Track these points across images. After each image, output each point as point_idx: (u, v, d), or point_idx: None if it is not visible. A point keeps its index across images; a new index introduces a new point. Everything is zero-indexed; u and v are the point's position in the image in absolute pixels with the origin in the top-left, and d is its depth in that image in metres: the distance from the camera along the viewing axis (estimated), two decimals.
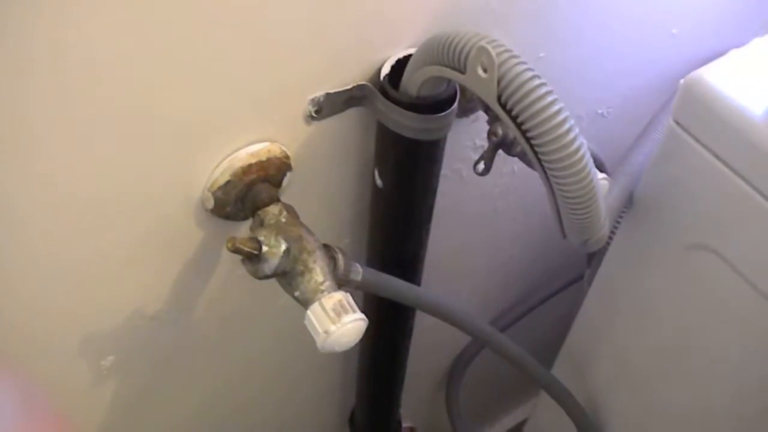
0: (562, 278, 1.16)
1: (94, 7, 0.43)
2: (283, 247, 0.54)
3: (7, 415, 0.31)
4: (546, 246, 1.10)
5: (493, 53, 0.49)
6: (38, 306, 0.57)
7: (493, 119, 0.62)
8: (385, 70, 0.60)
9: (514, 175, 0.89)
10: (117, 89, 0.48)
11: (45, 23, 0.42)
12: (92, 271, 0.58)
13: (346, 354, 0.60)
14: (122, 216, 0.56)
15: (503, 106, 0.50)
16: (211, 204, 0.58)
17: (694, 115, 0.66)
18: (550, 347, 1.07)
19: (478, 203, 0.90)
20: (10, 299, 0.54)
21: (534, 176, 0.57)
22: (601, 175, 0.59)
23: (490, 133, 0.61)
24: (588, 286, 0.94)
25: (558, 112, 0.49)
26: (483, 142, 0.79)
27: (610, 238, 0.80)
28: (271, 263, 0.54)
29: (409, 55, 0.60)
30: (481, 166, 0.62)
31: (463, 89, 0.62)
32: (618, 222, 0.79)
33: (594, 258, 0.91)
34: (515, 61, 0.49)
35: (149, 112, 0.51)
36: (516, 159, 0.62)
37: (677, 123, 0.67)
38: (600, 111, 0.90)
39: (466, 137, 0.76)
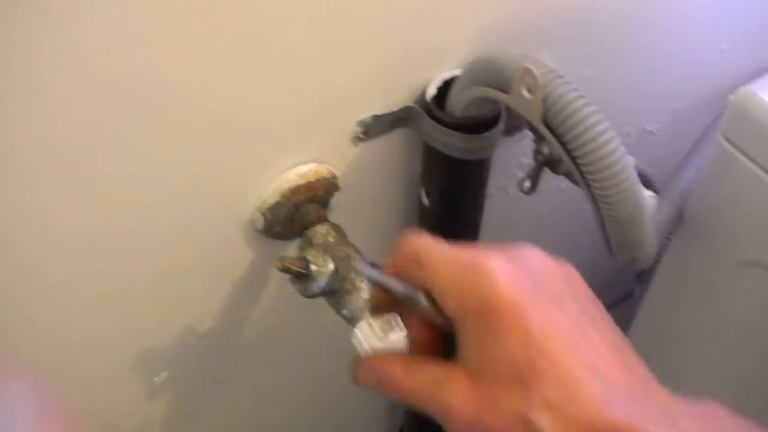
0: (611, 296, 1.14)
1: (153, 34, 0.45)
2: (331, 266, 0.55)
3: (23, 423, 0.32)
4: (594, 262, 1.09)
5: (537, 74, 0.49)
6: (95, 323, 0.58)
7: (539, 138, 0.63)
8: (431, 91, 0.61)
9: (561, 192, 0.89)
10: (170, 112, 0.49)
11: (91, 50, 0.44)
12: (146, 289, 0.59)
13: None
14: (175, 236, 0.57)
15: (548, 126, 0.51)
16: (260, 224, 0.60)
17: (744, 131, 0.65)
18: None
19: (524, 220, 0.89)
20: (68, 315, 0.56)
21: (581, 193, 0.57)
22: (648, 193, 0.59)
23: (536, 152, 0.61)
24: (638, 304, 0.93)
25: (602, 131, 0.49)
26: (529, 161, 0.79)
27: (660, 255, 0.79)
28: (320, 282, 0.55)
29: (455, 76, 0.61)
30: (527, 184, 0.63)
31: (509, 109, 0.63)
32: (668, 239, 0.79)
33: (644, 275, 0.90)
34: (559, 81, 0.50)
35: (201, 135, 0.52)
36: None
37: (727, 139, 0.66)
38: (648, 128, 0.89)
39: (513, 156, 0.77)
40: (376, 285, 0.39)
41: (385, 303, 0.40)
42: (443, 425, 0.36)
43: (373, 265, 0.57)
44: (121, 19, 0.43)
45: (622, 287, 1.11)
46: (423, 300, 0.36)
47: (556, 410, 0.32)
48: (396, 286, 0.37)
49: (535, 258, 0.36)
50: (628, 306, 1.06)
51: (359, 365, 0.40)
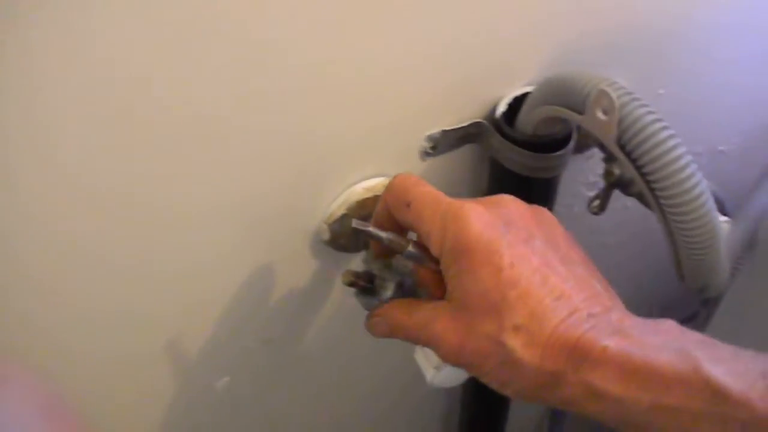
0: (673, 316, 1.12)
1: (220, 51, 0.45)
2: (397, 280, 0.55)
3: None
4: (657, 282, 1.07)
5: (614, 96, 0.48)
6: (161, 326, 0.60)
7: (609, 158, 0.62)
8: (502, 108, 0.60)
9: (626, 211, 0.87)
10: (246, 126, 0.50)
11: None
12: (212, 296, 0.60)
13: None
14: (243, 245, 0.58)
15: (623, 149, 0.50)
16: (326, 236, 0.60)
17: None
18: None
19: (587, 238, 0.88)
20: (132, 320, 0.58)
21: (647, 213, 0.56)
22: (722, 218, 0.57)
23: (607, 173, 0.60)
24: (702, 328, 0.90)
25: (679, 156, 0.48)
26: (596, 179, 0.78)
27: (729, 280, 0.77)
28: (384, 296, 0.54)
29: (526, 93, 0.60)
30: (596, 204, 0.62)
31: (580, 127, 0.62)
32: (738, 265, 0.76)
33: (710, 299, 0.88)
34: (636, 104, 0.49)
35: (271, 147, 0.53)
36: None
37: None
38: (720, 148, 0.87)
39: (580, 173, 0.76)
40: (368, 237, 0.45)
41: (383, 251, 0.48)
42: (438, 354, 0.43)
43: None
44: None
45: (686, 308, 1.08)
46: (411, 247, 0.43)
47: (524, 333, 0.37)
48: (385, 236, 0.44)
49: (509, 203, 0.43)
50: (692, 326, 1.04)
51: (371, 318, 0.48)
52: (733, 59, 0.77)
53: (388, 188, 0.45)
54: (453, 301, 0.41)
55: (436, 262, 0.43)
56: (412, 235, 0.46)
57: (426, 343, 0.43)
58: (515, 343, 0.38)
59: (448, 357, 0.42)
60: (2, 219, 0.45)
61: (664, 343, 0.37)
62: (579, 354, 0.37)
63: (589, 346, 0.37)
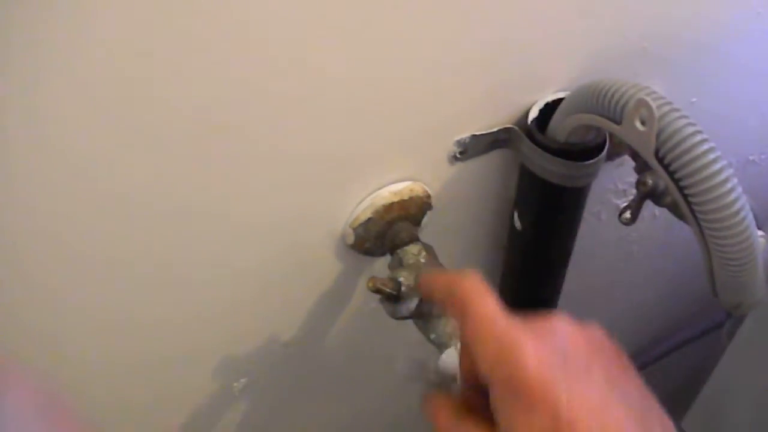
0: (698, 326, 1.10)
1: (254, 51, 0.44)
2: None
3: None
4: (681, 291, 1.05)
5: (654, 106, 0.47)
6: (181, 328, 0.59)
7: (642, 167, 0.60)
8: (533, 113, 0.59)
9: (654, 220, 0.86)
10: (272, 125, 0.49)
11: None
12: (234, 297, 0.60)
13: None
14: (266, 247, 0.57)
15: (660, 160, 0.48)
16: (351, 239, 0.59)
17: None
18: (679, 398, 1.02)
19: (613, 246, 0.87)
20: (153, 320, 0.57)
21: (674, 222, 0.55)
22: (759, 233, 0.56)
23: (639, 183, 0.58)
24: (728, 339, 0.89)
25: (720, 170, 0.46)
26: (625, 186, 0.77)
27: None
28: (410, 305, 0.54)
29: (558, 99, 0.59)
30: (628, 215, 0.60)
31: (612, 136, 0.60)
32: None
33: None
34: (676, 114, 0.47)
35: (300, 149, 0.52)
36: None
37: None
38: (752, 157, 0.86)
39: (609, 181, 0.74)
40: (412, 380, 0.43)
41: None
42: None
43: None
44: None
45: (712, 317, 1.07)
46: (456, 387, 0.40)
47: None
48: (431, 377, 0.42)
49: (563, 330, 0.38)
50: (716, 338, 1.02)
51: (424, 404, 0.43)
52: (764, 68, 0.76)
53: (449, 293, 0.41)
54: None
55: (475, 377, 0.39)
56: None
57: None
58: None
59: None
60: (7, 222, 0.44)
61: None
62: None
63: None
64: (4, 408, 0.30)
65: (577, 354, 0.38)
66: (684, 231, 0.53)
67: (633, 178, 0.65)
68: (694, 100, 0.72)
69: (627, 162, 0.71)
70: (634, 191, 0.71)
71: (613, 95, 0.50)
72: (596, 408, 0.36)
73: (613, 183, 0.75)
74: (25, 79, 0.39)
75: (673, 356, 1.13)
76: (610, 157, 0.69)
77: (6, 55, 0.37)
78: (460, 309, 0.39)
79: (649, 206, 0.83)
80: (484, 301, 0.39)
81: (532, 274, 0.69)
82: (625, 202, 0.78)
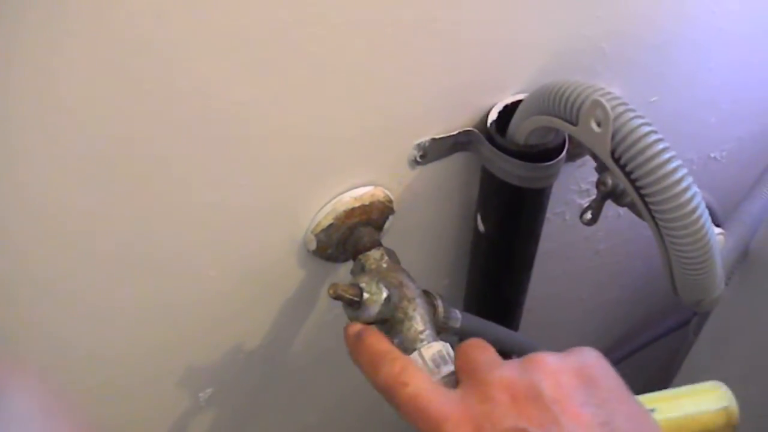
0: (665, 324, 1.11)
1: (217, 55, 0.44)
2: (384, 294, 0.53)
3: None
4: (648, 290, 1.06)
5: (608, 107, 0.47)
6: (143, 340, 0.58)
7: (602, 168, 0.60)
8: (492, 116, 0.59)
9: (619, 219, 0.86)
10: (231, 129, 0.49)
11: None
12: (195, 306, 0.59)
13: None
14: (227, 254, 0.57)
15: (616, 161, 0.49)
16: (313, 245, 0.59)
17: None
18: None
19: (580, 246, 0.87)
20: (113, 331, 0.56)
21: (638, 220, 0.55)
22: (717, 230, 0.56)
23: (599, 183, 0.59)
24: (694, 335, 0.90)
25: (674, 170, 0.47)
26: (588, 186, 0.77)
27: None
28: (372, 310, 0.53)
29: (517, 101, 0.59)
30: (589, 215, 0.60)
31: (572, 137, 0.61)
32: (731, 274, 0.76)
33: None
34: (631, 115, 0.48)
35: (257, 155, 0.51)
36: None
37: None
38: (713, 155, 0.86)
39: (572, 181, 0.75)
40: None
41: None
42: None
43: (424, 292, 0.56)
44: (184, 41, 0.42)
45: (678, 315, 1.08)
46: None
47: None
48: None
49: (551, 381, 0.36)
50: (683, 335, 1.03)
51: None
52: (725, 67, 0.76)
53: (466, 349, 0.41)
54: None
55: None
56: None
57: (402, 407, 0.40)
58: None
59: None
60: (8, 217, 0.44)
61: None
62: None
63: None
64: (9, 407, 0.30)
65: (568, 405, 0.35)
66: (647, 230, 0.54)
67: (595, 177, 0.66)
68: (654, 99, 0.72)
69: (589, 162, 0.72)
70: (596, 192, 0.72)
71: (568, 97, 0.50)
72: None
73: (576, 183, 0.75)
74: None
75: (643, 353, 1.13)
76: (572, 157, 0.69)
77: None
78: (468, 374, 0.39)
79: (612, 206, 0.83)
80: (492, 369, 0.38)
81: (497, 276, 0.69)
82: (588, 202, 0.79)
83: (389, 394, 0.41)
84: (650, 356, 1.15)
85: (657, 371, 1.11)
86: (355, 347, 0.46)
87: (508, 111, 0.59)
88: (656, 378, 1.06)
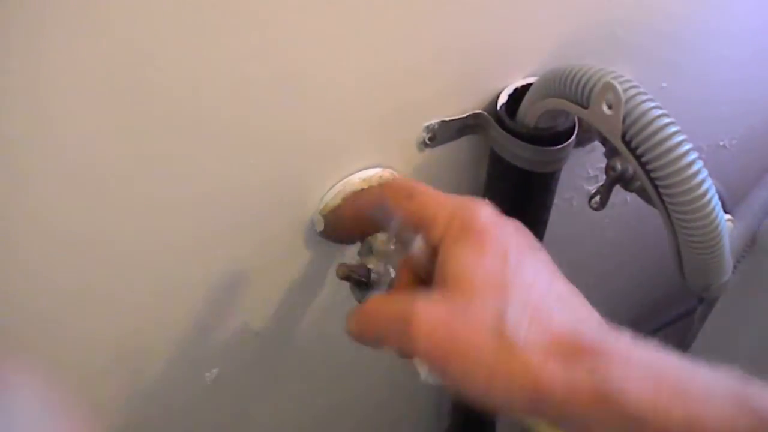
0: (671, 312, 1.11)
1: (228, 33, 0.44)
2: (392, 275, 0.54)
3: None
4: (654, 277, 1.06)
5: (620, 89, 0.47)
6: (150, 317, 0.58)
7: (612, 153, 0.60)
8: (502, 99, 0.59)
9: (626, 205, 0.86)
10: (241, 111, 0.49)
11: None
12: (203, 285, 0.59)
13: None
14: (233, 234, 0.57)
15: (627, 144, 0.48)
16: (321, 226, 0.59)
17: None
18: None
19: (586, 232, 0.87)
20: (120, 308, 0.56)
21: (647, 207, 0.55)
22: (726, 216, 0.56)
23: (608, 168, 0.58)
24: (699, 323, 0.89)
25: (686, 153, 0.46)
26: (596, 172, 0.77)
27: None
28: (379, 291, 0.53)
29: (527, 85, 0.59)
30: (597, 200, 0.60)
31: (581, 121, 0.60)
32: (738, 261, 0.75)
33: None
34: (643, 98, 0.47)
35: (270, 136, 0.51)
36: None
37: None
38: (722, 143, 0.86)
39: (580, 167, 0.74)
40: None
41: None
42: (416, 347, 0.35)
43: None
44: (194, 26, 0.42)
45: (684, 303, 1.08)
46: (417, 242, 0.39)
47: (528, 322, 0.33)
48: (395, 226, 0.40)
49: (518, 224, 0.40)
50: (688, 323, 1.03)
51: (351, 319, 0.41)
52: (738, 55, 0.76)
53: (389, 182, 0.43)
54: (447, 284, 0.35)
55: (428, 252, 0.39)
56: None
57: (403, 335, 0.36)
58: (517, 332, 0.32)
59: (429, 348, 0.34)
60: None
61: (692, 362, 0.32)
62: (593, 354, 0.31)
63: (606, 347, 0.32)
64: (12, 406, 0.30)
65: (527, 234, 0.39)
66: (655, 217, 0.54)
67: (604, 163, 0.65)
68: (664, 85, 0.72)
69: (598, 148, 0.72)
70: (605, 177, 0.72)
71: (580, 79, 0.50)
72: (543, 273, 0.36)
73: (585, 169, 0.75)
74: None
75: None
76: (581, 142, 0.69)
77: None
78: (406, 192, 0.40)
79: (621, 192, 0.83)
80: (428, 186, 0.41)
81: None
82: (596, 188, 0.78)
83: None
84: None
85: None
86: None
87: (518, 95, 0.59)
88: None
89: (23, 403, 0.31)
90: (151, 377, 0.63)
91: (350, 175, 0.58)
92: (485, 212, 0.37)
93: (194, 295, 0.59)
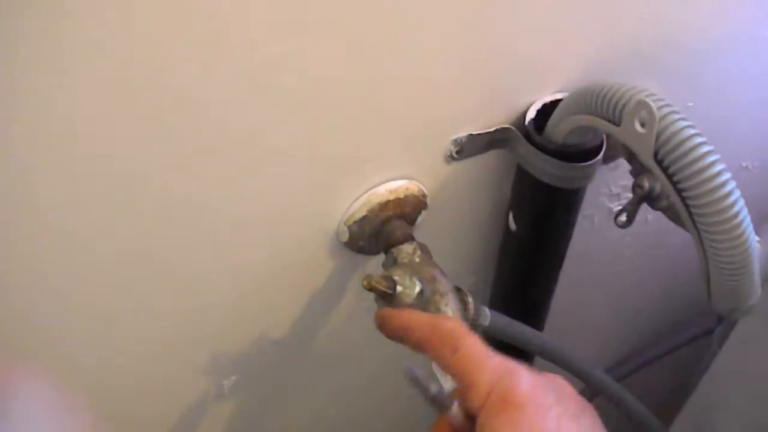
0: (687, 332, 1.10)
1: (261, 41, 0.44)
2: (418, 288, 0.53)
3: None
4: (671, 297, 1.05)
5: (654, 108, 0.47)
6: (173, 324, 0.58)
7: (639, 170, 0.60)
8: (531, 114, 0.59)
9: (646, 224, 0.86)
10: (269, 123, 0.49)
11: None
12: (226, 293, 0.59)
13: None
14: (260, 243, 0.57)
15: (659, 163, 0.48)
16: (346, 237, 0.59)
17: None
18: (667, 403, 1.02)
19: (605, 250, 0.87)
20: (146, 315, 0.56)
21: (666, 226, 0.54)
22: (756, 238, 0.56)
23: (636, 186, 0.58)
24: (718, 346, 0.89)
25: (718, 173, 0.46)
26: (619, 190, 0.77)
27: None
28: (404, 303, 0.53)
29: (555, 100, 0.59)
30: (624, 218, 0.60)
31: (608, 138, 0.60)
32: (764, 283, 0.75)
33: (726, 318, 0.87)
34: (676, 116, 0.47)
35: (298, 147, 0.51)
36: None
37: None
38: (744, 164, 0.86)
39: (603, 184, 0.74)
40: (414, 384, 0.40)
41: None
42: None
43: (456, 288, 0.56)
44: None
45: (701, 324, 1.07)
46: (454, 408, 0.39)
47: None
48: (432, 390, 0.39)
49: (562, 381, 0.40)
50: (705, 344, 1.02)
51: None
52: (762, 76, 0.76)
53: (436, 327, 0.42)
54: None
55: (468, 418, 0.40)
56: None
57: None
58: None
59: None
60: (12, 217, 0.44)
61: None
62: None
63: None
64: (16, 409, 0.30)
65: (572, 399, 0.39)
66: (674, 237, 0.53)
67: (627, 181, 0.65)
68: (690, 104, 0.72)
69: (622, 165, 0.71)
70: (628, 195, 0.71)
71: (612, 96, 0.50)
72: None
73: (607, 186, 0.75)
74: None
75: (660, 363, 1.13)
76: (605, 160, 0.69)
77: None
78: (452, 343, 0.40)
79: (641, 211, 0.83)
80: (475, 338, 0.41)
81: (525, 276, 0.69)
82: (619, 205, 0.78)
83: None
84: (667, 368, 1.14)
85: (675, 383, 1.10)
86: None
87: (546, 110, 0.59)
88: (674, 389, 1.05)
89: (31, 411, 0.31)
90: (169, 383, 0.63)
91: (376, 186, 0.58)
92: (525, 382, 0.38)
93: (215, 303, 0.59)
